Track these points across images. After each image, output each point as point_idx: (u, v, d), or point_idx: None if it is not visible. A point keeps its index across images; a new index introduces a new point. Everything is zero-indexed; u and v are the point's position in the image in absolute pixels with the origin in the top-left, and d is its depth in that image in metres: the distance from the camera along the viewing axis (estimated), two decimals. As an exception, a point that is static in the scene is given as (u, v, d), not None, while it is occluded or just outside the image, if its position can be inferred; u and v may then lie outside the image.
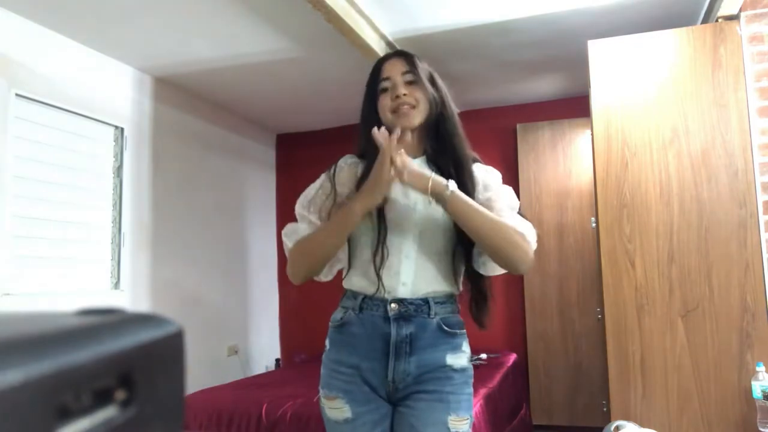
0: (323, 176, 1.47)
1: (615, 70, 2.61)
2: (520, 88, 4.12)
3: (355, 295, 1.38)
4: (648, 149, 2.53)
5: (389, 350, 1.33)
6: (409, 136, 1.36)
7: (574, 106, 4.02)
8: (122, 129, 3.41)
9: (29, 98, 2.83)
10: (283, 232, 1.46)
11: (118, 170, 3.40)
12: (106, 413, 0.26)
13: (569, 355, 3.99)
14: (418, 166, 1.39)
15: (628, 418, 2.32)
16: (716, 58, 2.49)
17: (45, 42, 2.92)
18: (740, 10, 2.46)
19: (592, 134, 2.67)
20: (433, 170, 1.39)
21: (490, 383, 3.17)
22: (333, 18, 2.54)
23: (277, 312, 4.95)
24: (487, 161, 1.51)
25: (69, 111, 3.06)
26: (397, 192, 1.38)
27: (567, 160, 4.13)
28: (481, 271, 1.41)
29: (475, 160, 1.46)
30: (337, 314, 1.43)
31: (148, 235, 3.57)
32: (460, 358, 1.37)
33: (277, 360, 4.80)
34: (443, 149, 1.42)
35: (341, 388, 1.35)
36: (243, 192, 4.59)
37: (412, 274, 1.35)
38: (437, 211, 1.36)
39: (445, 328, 1.36)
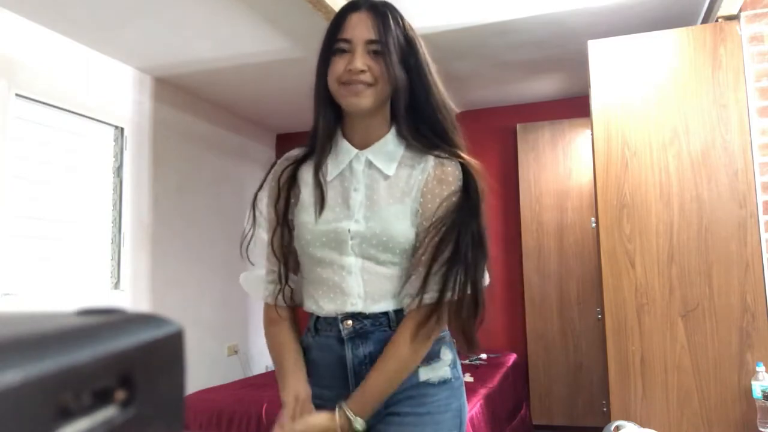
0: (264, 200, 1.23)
1: (615, 70, 2.61)
2: (520, 88, 4.12)
3: (310, 315, 1.19)
4: (648, 149, 2.53)
5: (348, 376, 1.13)
6: None
7: (574, 106, 4.02)
8: (122, 129, 3.41)
9: (29, 98, 2.83)
10: (242, 280, 1.27)
11: (118, 170, 3.40)
12: (106, 413, 0.26)
13: (569, 355, 3.99)
14: (389, 144, 1.16)
15: (628, 418, 2.32)
16: (716, 58, 2.49)
17: (45, 42, 2.92)
18: (740, 10, 2.46)
19: (592, 134, 2.67)
20: (404, 146, 1.16)
21: (490, 383, 3.17)
22: (333, 18, 2.54)
23: (277, 312, 4.94)
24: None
25: (69, 111, 3.06)
26: (339, 199, 1.15)
27: (567, 160, 4.13)
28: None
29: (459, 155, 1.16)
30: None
31: (148, 235, 3.57)
32: (438, 369, 1.14)
33: (277, 360, 4.80)
34: (418, 128, 1.15)
35: None
36: (243, 192, 4.58)
37: (362, 291, 1.12)
38: (376, 221, 1.12)
39: None
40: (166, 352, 0.30)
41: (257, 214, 1.22)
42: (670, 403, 2.40)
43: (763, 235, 2.38)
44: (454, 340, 1.20)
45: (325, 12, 2.50)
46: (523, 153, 4.21)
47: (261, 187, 1.24)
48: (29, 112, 2.85)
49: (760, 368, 2.25)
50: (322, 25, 2.62)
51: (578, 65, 3.00)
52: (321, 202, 1.14)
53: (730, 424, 2.33)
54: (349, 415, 1.07)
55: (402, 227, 1.11)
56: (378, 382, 1.09)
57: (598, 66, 2.63)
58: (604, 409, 2.70)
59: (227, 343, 4.26)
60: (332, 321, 1.13)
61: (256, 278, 1.24)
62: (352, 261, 1.12)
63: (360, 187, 1.15)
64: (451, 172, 1.14)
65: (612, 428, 2.10)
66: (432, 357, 1.14)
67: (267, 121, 4.77)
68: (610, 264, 2.52)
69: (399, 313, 1.13)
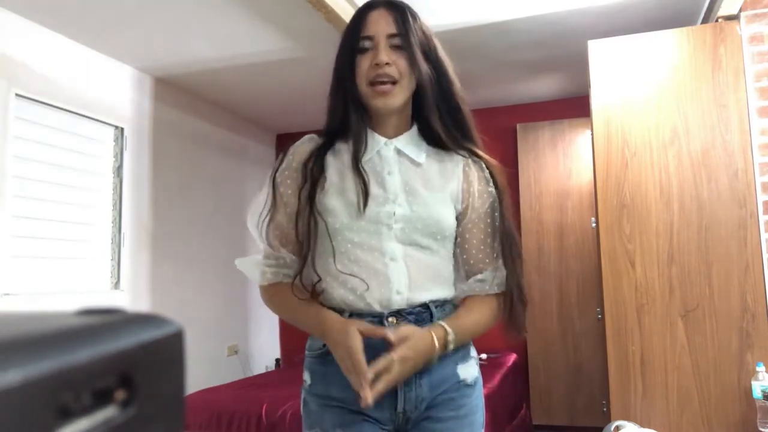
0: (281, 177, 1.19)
1: (615, 70, 2.61)
2: (520, 88, 4.12)
3: (338, 312, 1.10)
4: (648, 149, 2.53)
5: None
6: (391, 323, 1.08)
7: (574, 106, 4.02)
8: (122, 129, 3.41)
9: (29, 98, 2.83)
10: (237, 264, 1.24)
11: (118, 170, 3.40)
12: (106, 413, 0.26)
13: (569, 355, 3.99)
14: (414, 138, 1.18)
15: (628, 418, 2.32)
16: (716, 58, 2.49)
17: (45, 42, 2.92)
18: (740, 10, 2.46)
19: (592, 134, 2.67)
20: (423, 144, 1.18)
21: (490, 383, 3.17)
22: (333, 18, 2.54)
23: (277, 312, 4.94)
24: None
25: (69, 111, 3.06)
26: (373, 183, 1.14)
27: (567, 160, 4.13)
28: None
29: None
30: (316, 340, 1.14)
31: (148, 235, 3.57)
32: (471, 366, 1.17)
33: (277, 360, 4.80)
34: (446, 124, 1.18)
35: (339, 422, 1.09)
36: (243, 192, 4.59)
37: (406, 278, 1.10)
38: (421, 205, 1.13)
39: None
40: (166, 352, 0.30)
41: (277, 196, 1.17)
42: (670, 403, 2.40)
43: (763, 235, 2.38)
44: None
45: (325, 12, 2.50)
46: (523, 153, 4.21)
47: (280, 165, 1.20)
48: (29, 112, 2.85)
49: (760, 368, 2.25)
50: (323, 25, 2.64)
51: (578, 65, 3.00)
52: (365, 190, 1.10)
53: (730, 424, 2.33)
54: (447, 329, 1.07)
55: (446, 213, 1.14)
56: (470, 321, 1.13)
57: (598, 66, 2.63)
58: (604, 409, 2.70)
59: (227, 343, 4.26)
60: (372, 319, 1.09)
61: (256, 262, 1.21)
62: (395, 246, 1.11)
63: (394, 170, 1.16)
64: (485, 171, 1.20)
65: (612, 428, 2.10)
66: (465, 355, 1.17)
67: (267, 121, 4.77)
68: (610, 264, 2.51)
69: (439, 307, 1.13)
